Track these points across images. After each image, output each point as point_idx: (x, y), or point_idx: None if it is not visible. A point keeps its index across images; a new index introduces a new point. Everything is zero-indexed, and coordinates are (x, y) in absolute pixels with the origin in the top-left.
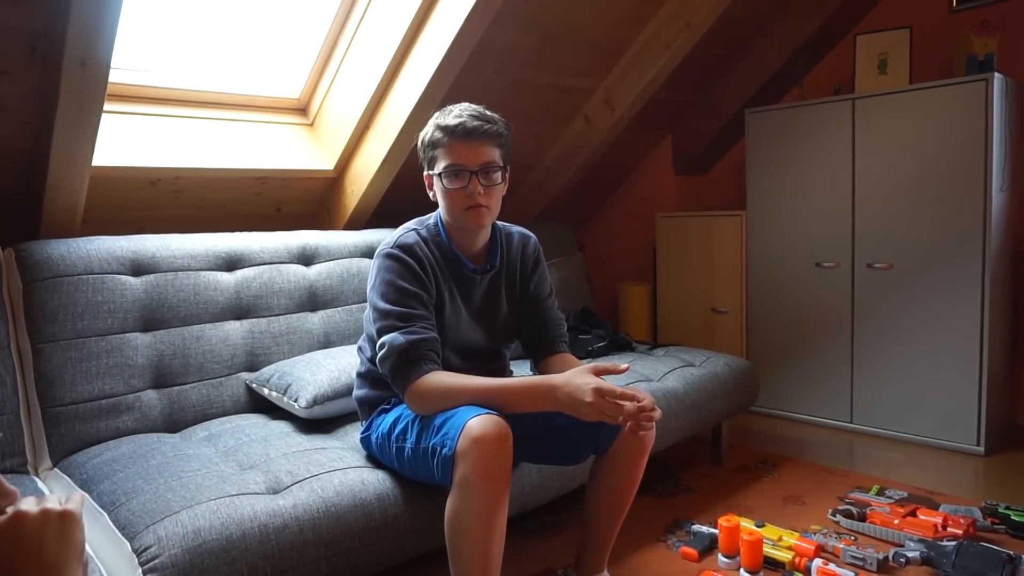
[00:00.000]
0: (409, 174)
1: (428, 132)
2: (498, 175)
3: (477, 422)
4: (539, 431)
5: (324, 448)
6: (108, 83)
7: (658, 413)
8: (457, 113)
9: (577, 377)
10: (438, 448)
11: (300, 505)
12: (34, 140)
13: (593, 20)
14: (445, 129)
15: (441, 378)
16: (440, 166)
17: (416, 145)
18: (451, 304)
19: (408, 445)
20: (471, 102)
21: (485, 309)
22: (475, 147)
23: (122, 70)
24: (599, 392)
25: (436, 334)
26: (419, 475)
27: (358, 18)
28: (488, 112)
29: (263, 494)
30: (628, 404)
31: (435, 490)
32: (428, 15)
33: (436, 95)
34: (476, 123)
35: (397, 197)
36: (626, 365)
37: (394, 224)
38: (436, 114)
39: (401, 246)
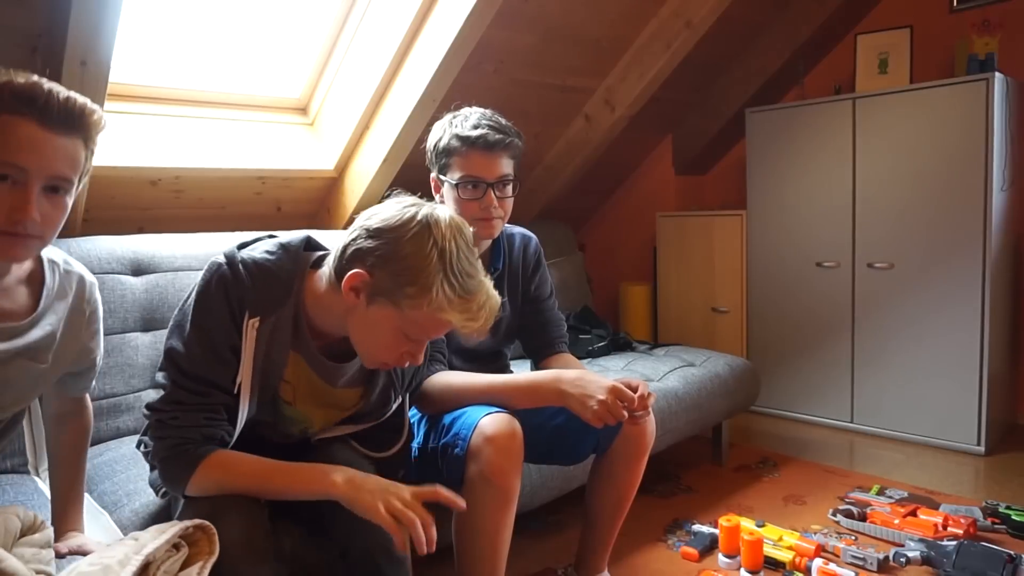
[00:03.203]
0: (409, 174)
1: (444, 139)
2: (511, 187)
3: (490, 420)
4: (539, 431)
5: None
6: (108, 83)
7: (653, 397)
8: (475, 123)
9: (592, 375)
10: (449, 448)
11: None
12: None
13: (593, 20)
14: (464, 139)
15: (447, 378)
16: (455, 176)
17: (425, 147)
18: None
19: (414, 446)
20: (470, 101)
21: None
22: (494, 159)
23: (122, 70)
24: (616, 392)
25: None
26: (423, 476)
27: (358, 18)
28: (503, 121)
29: None
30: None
31: None
32: (428, 15)
33: (436, 95)
34: (498, 136)
35: None
36: (651, 394)
37: None
38: (450, 118)
39: None
